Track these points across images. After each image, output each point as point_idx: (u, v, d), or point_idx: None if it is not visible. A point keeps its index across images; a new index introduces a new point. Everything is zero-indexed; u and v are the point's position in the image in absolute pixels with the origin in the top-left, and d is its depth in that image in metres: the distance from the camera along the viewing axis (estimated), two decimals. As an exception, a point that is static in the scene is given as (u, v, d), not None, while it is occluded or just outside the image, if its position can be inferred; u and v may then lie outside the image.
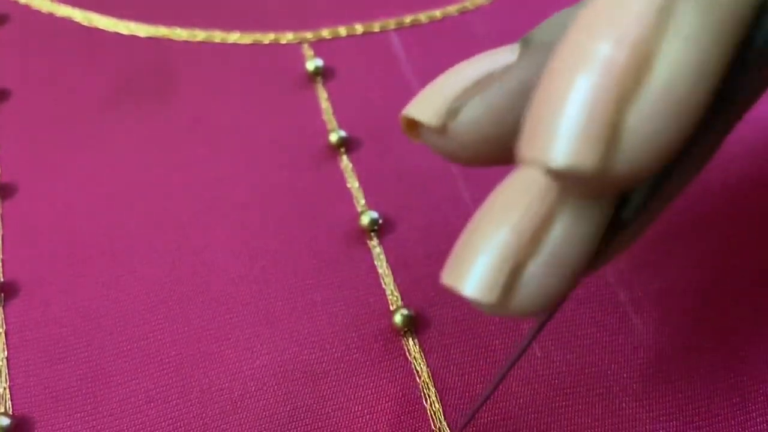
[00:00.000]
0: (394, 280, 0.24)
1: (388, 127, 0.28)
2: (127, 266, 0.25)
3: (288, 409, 0.22)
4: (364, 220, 0.25)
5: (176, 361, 0.22)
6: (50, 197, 0.26)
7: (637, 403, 0.21)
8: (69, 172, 0.27)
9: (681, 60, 0.10)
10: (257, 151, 0.27)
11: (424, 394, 0.22)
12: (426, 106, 0.14)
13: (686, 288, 0.24)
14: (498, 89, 0.14)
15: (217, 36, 0.31)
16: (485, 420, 0.21)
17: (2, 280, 0.24)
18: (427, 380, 0.22)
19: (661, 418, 0.21)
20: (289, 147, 0.28)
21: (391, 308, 0.23)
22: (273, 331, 0.23)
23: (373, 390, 0.22)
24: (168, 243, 0.25)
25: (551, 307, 0.14)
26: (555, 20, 0.14)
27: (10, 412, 0.22)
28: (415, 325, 0.23)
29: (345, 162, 0.27)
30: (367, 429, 0.21)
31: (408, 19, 0.32)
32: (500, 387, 0.22)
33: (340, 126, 0.28)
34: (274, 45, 0.31)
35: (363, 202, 0.26)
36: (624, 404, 0.21)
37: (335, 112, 0.29)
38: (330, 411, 0.21)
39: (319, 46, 0.31)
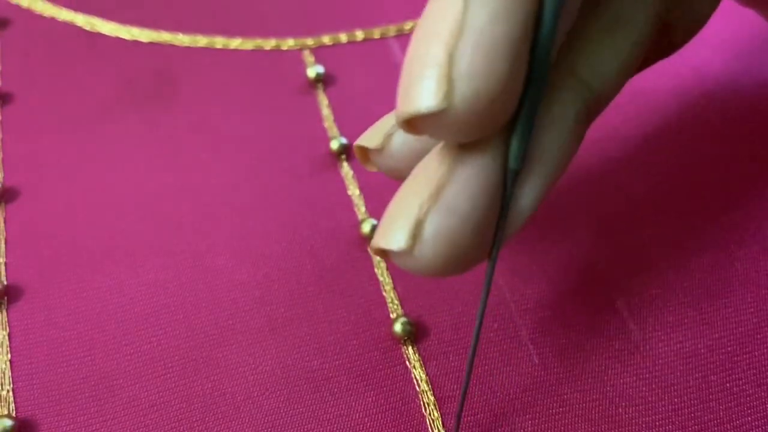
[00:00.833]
0: (394, 288, 0.24)
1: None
2: (130, 271, 0.25)
3: (290, 415, 0.22)
4: (365, 227, 0.25)
5: (179, 365, 0.23)
6: (53, 201, 0.26)
7: (633, 408, 0.22)
8: (71, 176, 0.27)
9: (479, 14, 0.14)
10: (258, 157, 0.28)
11: (423, 403, 0.22)
12: (370, 135, 0.19)
13: (682, 294, 0.24)
14: None
15: (219, 42, 0.31)
16: (483, 427, 0.21)
17: (6, 283, 0.24)
18: (426, 388, 0.22)
19: (656, 423, 0.21)
20: (289, 154, 0.28)
21: (392, 316, 0.24)
22: (275, 338, 0.23)
23: (373, 397, 0.22)
24: (170, 248, 0.25)
25: (462, 261, 0.16)
26: None
27: (14, 415, 0.22)
28: (414, 334, 0.23)
29: (346, 169, 0.27)
30: (367, 435, 0.21)
31: (408, 26, 0.32)
32: (498, 395, 0.22)
33: (341, 133, 0.28)
34: (276, 51, 0.31)
35: (364, 209, 0.26)
36: (620, 409, 0.22)
37: (336, 119, 0.29)
38: (331, 417, 0.22)
39: (319, 52, 0.31)
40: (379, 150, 0.19)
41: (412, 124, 0.14)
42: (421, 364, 0.23)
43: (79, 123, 0.29)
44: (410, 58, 0.14)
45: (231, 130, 0.28)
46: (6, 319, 0.24)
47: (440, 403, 0.22)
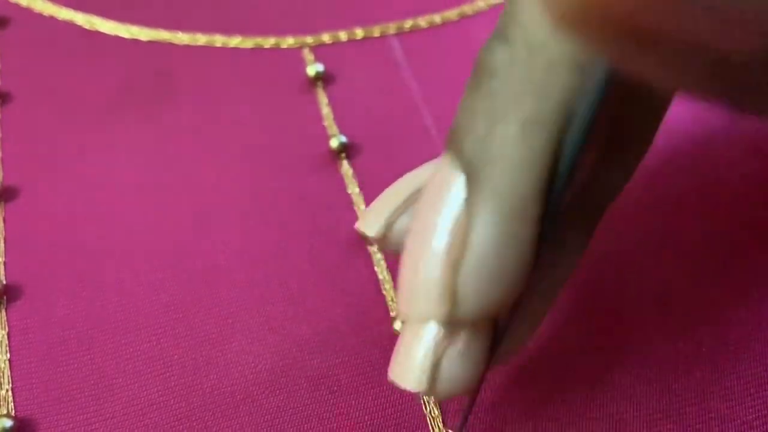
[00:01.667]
0: (394, 286, 0.24)
1: (389, 133, 0.28)
2: (129, 270, 0.25)
3: (290, 413, 0.22)
4: (365, 226, 0.25)
5: (179, 364, 0.23)
6: (52, 200, 0.26)
7: (634, 408, 0.22)
8: (71, 175, 0.27)
9: (484, 239, 0.14)
10: (257, 156, 0.28)
11: (424, 401, 0.22)
12: (370, 222, 0.19)
13: (679, 290, 0.24)
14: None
15: (219, 40, 0.31)
16: (482, 427, 0.21)
17: (5, 282, 0.24)
18: (427, 387, 0.22)
19: (657, 423, 0.21)
20: (289, 152, 0.28)
21: (392, 314, 0.24)
22: (274, 336, 0.23)
23: (373, 396, 0.22)
24: (170, 247, 0.25)
25: (472, 389, 0.17)
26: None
27: (13, 414, 0.22)
28: (414, 332, 0.23)
29: (345, 167, 0.27)
30: (367, 434, 0.21)
31: (408, 24, 0.32)
32: (498, 393, 0.22)
33: (341, 131, 0.28)
34: (275, 49, 0.31)
35: (363, 207, 0.26)
36: (621, 409, 0.22)
37: (336, 118, 0.29)
38: (331, 416, 0.22)
39: (319, 50, 0.31)
40: (382, 239, 0.19)
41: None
42: (421, 363, 0.23)
43: (79, 122, 0.29)
44: (411, 259, 0.15)
45: (230, 129, 0.28)
46: (5, 319, 0.24)
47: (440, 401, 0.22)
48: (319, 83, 0.30)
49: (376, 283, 0.24)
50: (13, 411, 0.22)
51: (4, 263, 0.25)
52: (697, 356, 0.23)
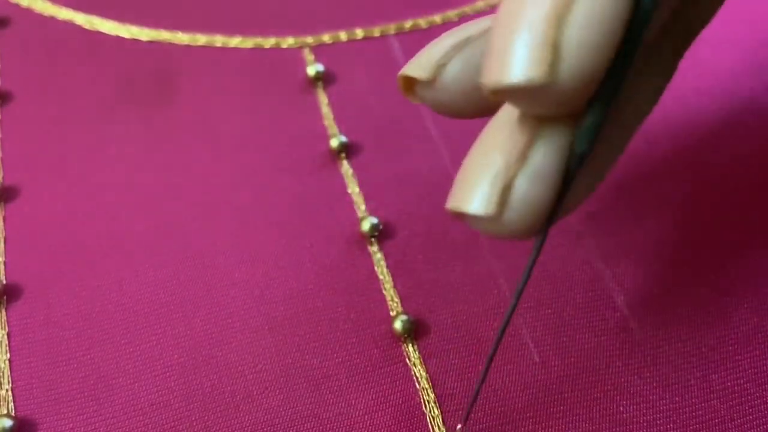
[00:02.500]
0: (394, 286, 0.24)
1: (389, 132, 0.28)
2: (130, 269, 0.25)
3: (289, 413, 0.22)
4: (365, 225, 0.25)
5: (179, 364, 0.23)
6: (52, 200, 0.26)
7: (634, 407, 0.22)
8: (71, 175, 0.27)
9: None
10: (258, 156, 0.28)
11: (424, 400, 0.22)
12: (418, 64, 0.17)
13: (682, 292, 0.24)
14: (474, 48, 0.16)
15: (219, 40, 0.31)
16: (483, 426, 0.21)
17: (5, 282, 0.24)
18: (427, 386, 0.22)
19: (657, 422, 0.21)
20: (289, 152, 0.28)
21: (392, 314, 0.24)
22: (274, 336, 0.23)
23: (373, 396, 0.22)
24: (170, 246, 0.25)
25: (540, 229, 0.15)
26: None
27: (13, 414, 0.22)
28: (414, 331, 0.23)
29: (345, 167, 0.27)
30: (367, 434, 0.21)
31: (408, 24, 0.32)
32: (499, 393, 0.22)
33: (341, 131, 0.28)
34: (275, 49, 0.31)
35: (363, 207, 0.26)
36: (621, 408, 0.22)
37: (336, 117, 0.29)
38: (331, 416, 0.22)
39: (319, 50, 0.31)
40: (430, 82, 0.17)
41: (503, 94, 0.13)
42: (421, 362, 0.23)
43: (79, 121, 0.29)
44: (505, 15, 0.13)
45: (231, 128, 0.28)
46: (5, 319, 0.24)
47: (440, 400, 0.22)
48: (320, 83, 0.30)
49: (376, 282, 0.24)
50: (13, 411, 0.22)
51: (4, 263, 0.25)
52: (698, 356, 0.23)
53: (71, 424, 0.22)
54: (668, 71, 0.18)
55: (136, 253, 0.25)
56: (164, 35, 0.31)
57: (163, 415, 0.22)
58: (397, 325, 0.23)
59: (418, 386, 0.22)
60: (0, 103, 0.29)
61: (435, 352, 0.23)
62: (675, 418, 0.21)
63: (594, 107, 0.14)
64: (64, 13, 0.32)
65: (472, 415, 0.22)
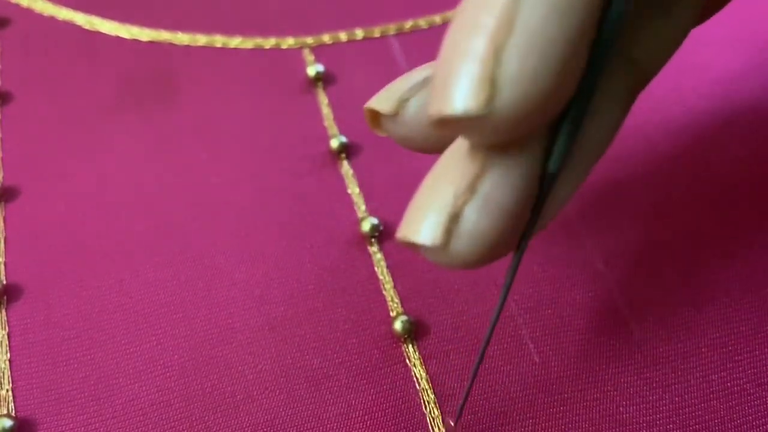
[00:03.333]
0: (394, 287, 0.24)
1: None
2: (129, 270, 0.25)
3: (290, 413, 0.22)
4: (365, 226, 0.25)
5: (179, 364, 0.23)
6: (53, 200, 0.26)
7: (634, 407, 0.22)
8: (71, 175, 0.27)
9: (542, 4, 0.12)
10: (258, 156, 0.28)
11: (424, 401, 0.22)
12: (383, 98, 0.17)
13: (682, 293, 0.24)
14: None
15: (219, 40, 0.31)
16: (483, 425, 0.21)
17: (5, 282, 0.24)
18: (427, 386, 0.22)
19: (657, 422, 0.21)
20: (289, 152, 0.28)
21: (392, 315, 0.24)
22: (274, 336, 0.23)
23: (373, 396, 0.22)
24: (170, 247, 0.25)
25: (493, 255, 0.15)
26: None
27: (13, 414, 0.22)
28: (414, 332, 0.23)
29: (346, 168, 0.27)
30: (367, 434, 0.22)
31: (408, 25, 0.32)
32: (499, 394, 0.22)
33: (341, 131, 0.28)
34: (275, 50, 0.31)
35: (363, 208, 0.26)
36: (621, 408, 0.22)
37: (336, 118, 0.29)
38: (331, 416, 0.22)
39: (319, 51, 0.31)
40: (392, 116, 0.17)
41: (445, 124, 0.13)
42: (421, 363, 0.23)
43: (79, 122, 0.29)
44: (448, 48, 0.13)
45: (231, 129, 0.28)
46: (5, 319, 0.24)
47: (440, 401, 0.22)
48: (320, 83, 0.30)
49: (376, 283, 0.24)
50: (14, 411, 0.22)
51: (5, 263, 0.25)
52: (698, 356, 0.23)
53: (71, 424, 0.22)
54: (624, 109, 0.18)
55: (136, 253, 0.25)
56: (164, 35, 0.31)
57: (163, 415, 0.22)
58: (397, 325, 0.23)
59: (418, 387, 0.22)
60: (0, 103, 0.29)
61: (435, 352, 0.23)
62: (675, 418, 0.22)
63: (563, 127, 0.15)
64: (64, 13, 0.32)
65: (472, 415, 0.22)
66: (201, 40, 0.31)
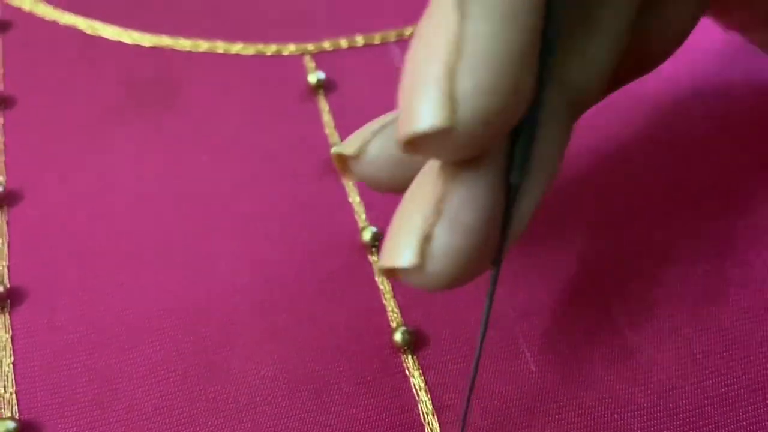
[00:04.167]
0: (394, 297, 0.24)
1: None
2: (132, 274, 0.25)
3: (292, 420, 0.22)
4: (366, 235, 0.25)
5: (181, 370, 0.23)
6: (56, 204, 0.26)
7: (629, 414, 0.22)
8: (74, 179, 0.27)
9: (485, 22, 0.13)
10: (259, 163, 0.28)
11: (422, 411, 0.22)
12: (347, 143, 0.19)
13: (677, 299, 0.24)
14: (394, 128, 0.18)
15: (220, 47, 0.31)
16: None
17: (9, 286, 0.24)
18: (425, 397, 0.22)
19: (652, 429, 0.22)
20: (290, 160, 0.28)
21: (392, 325, 0.24)
22: (276, 343, 0.23)
23: (373, 405, 0.22)
24: (172, 253, 0.25)
25: (470, 271, 0.16)
26: None
27: (17, 417, 0.22)
28: (414, 343, 0.23)
29: (347, 176, 0.27)
30: (367, 443, 0.22)
31: (408, 31, 0.32)
32: (495, 402, 0.22)
33: (342, 139, 0.28)
34: (277, 57, 0.31)
35: (364, 216, 0.26)
36: (616, 415, 0.22)
37: (337, 125, 0.29)
38: (332, 424, 0.22)
39: (320, 57, 0.31)
40: (356, 157, 0.19)
41: (414, 144, 0.14)
42: (420, 373, 0.23)
43: (81, 126, 0.29)
44: (407, 77, 0.14)
45: (232, 135, 0.28)
46: (9, 322, 0.24)
47: (439, 412, 0.22)
48: (321, 91, 0.30)
49: (377, 292, 0.24)
50: (17, 414, 0.22)
51: (8, 267, 0.25)
52: (693, 363, 0.23)
53: (75, 428, 0.22)
54: (567, 126, 0.18)
55: (138, 257, 0.25)
56: (166, 41, 0.31)
57: (166, 420, 0.22)
58: (398, 336, 0.23)
59: (417, 397, 0.22)
60: (3, 108, 0.29)
61: (434, 363, 0.23)
62: (669, 425, 0.22)
63: (520, 139, 0.16)
64: (66, 18, 0.32)
65: (469, 424, 0.22)
66: (202, 45, 0.31)
